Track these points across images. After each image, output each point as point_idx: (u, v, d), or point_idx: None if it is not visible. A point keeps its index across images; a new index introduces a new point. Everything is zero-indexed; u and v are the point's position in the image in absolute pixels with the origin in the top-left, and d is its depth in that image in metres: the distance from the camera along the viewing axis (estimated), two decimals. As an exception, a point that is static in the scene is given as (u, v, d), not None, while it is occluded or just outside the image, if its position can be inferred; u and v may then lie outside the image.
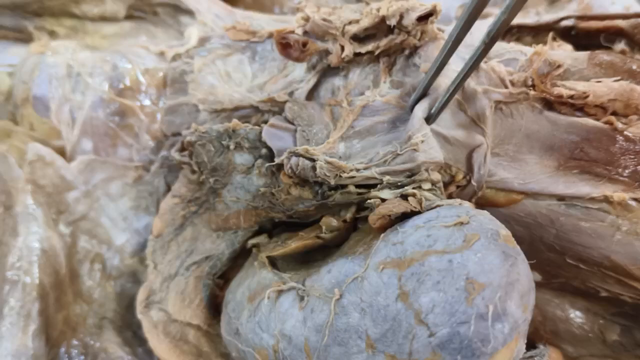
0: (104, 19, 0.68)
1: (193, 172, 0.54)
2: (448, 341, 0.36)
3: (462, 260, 0.37)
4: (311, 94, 0.54)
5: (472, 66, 0.40)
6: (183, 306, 0.55)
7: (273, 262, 0.51)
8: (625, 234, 0.47)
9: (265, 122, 0.53)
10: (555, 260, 0.50)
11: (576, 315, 0.54)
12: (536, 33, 0.58)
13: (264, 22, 0.59)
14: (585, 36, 0.59)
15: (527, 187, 0.49)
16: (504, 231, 0.39)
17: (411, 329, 0.38)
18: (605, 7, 0.62)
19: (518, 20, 0.56)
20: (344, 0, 0.71)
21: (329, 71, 0.54)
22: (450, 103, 0.49)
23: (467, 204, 0.45)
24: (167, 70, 0.59)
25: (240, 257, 0.56)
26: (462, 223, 0.40)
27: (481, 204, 0.50)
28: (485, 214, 0.41)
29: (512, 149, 0.49)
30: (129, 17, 0.68)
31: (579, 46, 0.59)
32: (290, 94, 0.54)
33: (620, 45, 0.58)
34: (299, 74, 0.55)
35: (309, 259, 0.50)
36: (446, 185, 0.49)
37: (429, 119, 0.47)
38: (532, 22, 0.56)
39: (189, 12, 0.64)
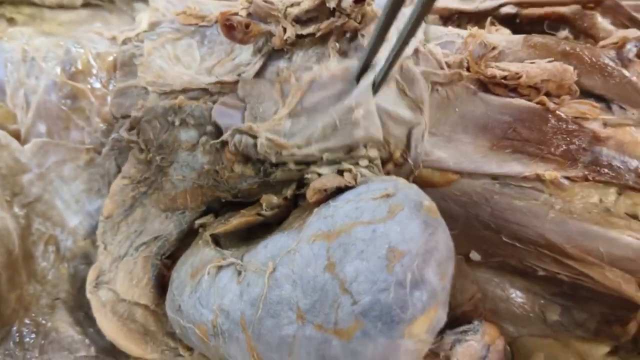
0: (61, 6, 0.69)
1: (141, 150, 0.54)
2: (370, 309, 0.37)
3: (385, 229, 0.39)
4: (257, 77, 0.55)
5: (409, 33, 0.40)
6: (131, 286, 0.56)
7: (216, 240, 0.52)
8: (559, 212, 0.49)
9: (214, 102, 0.54)
10: (492, 239, 0.52)
11: (516, 295, 0.55)
12: (478, 20, 0.59)
13: (213, 7, 0.60)
14: (529, 23, 0.61)
15: (461, 167, 0.50)
16: (427, 202, 0.40)
17: (337, 298, 0.39)
18: (550, -6, 0.64)
19: (458, 5, 0.58)
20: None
21: (274, 54, 0.55)
22: (392, 82, 0.51)
23: (401, 180, 0.46)
24: (117, 54, 0.59)
25: (188, 238, 0.56)
26: (388, 195, 0.41)
27: (419, 184, 0.51)
28: (413, 187, 0.43)
29: (447, 129, 0.51)
30: (85, 4, 0.69)
31: (523, 33, 0.61)
32: (238, 76, 0.55)
33: (564, 33, 0.59)
34: (246, 57, 0.55)
35: (252, 236, 0.51)
36: (384, 162, 0.50)
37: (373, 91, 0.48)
38: (471, 8, 0.57)
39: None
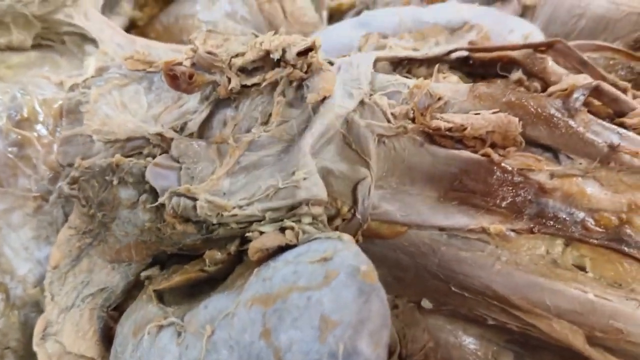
0: (11, 48, 0.67)
1: (83, 205, 0.53)
2: (303, 380, 0.36)
3: (320, 297, 0.38)
4: (204, 125, 0.54)
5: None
6: (77, 338, 0.55)
7: (161, 296, 0.51)
8: (505, 264, 0.48)
9: (155, 155, 0.53)
10: (442, 288, 0.51)
11: (469, 342, 0.54)
12: (430, 64, 0.59)
13: (162, 52, 0.59)
14: (482, 66, 0.60)
15: (409, 219, 0.49)
16: (364, 267, 0.39)
17: (271, 367, 0.38)
18: (504, 35, 0.64)
19: (407, 53, 0.57)
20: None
21: (221, 102, 0.54)
22: (336, 136, 0.50)
23: (345, 237, 0.46)
24: (64, 100, 0.58)
25: (135, 289, 0.55)
26: (325, 259, 0.40)
27: (368, 236, 0.51)
28: (352, 249, 0.42)
29: (395, 182, 0.50)
30: (36, 46, 0.68)
31: (477, 75, 0.61)
32: (184, 124, 0.54)
33: (518, 74, 0.59)
34: (193, 104, 0.55)
35: (197, 291, 0.50)
36: (332, 218, 0.50)
37: None
38: (420, 55, 0.57)
39: (94, 42, 0.64)
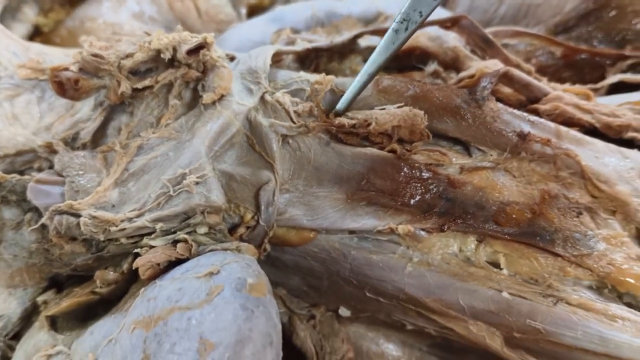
0: None
1: (-32, 227, 0.49)
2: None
3: (200, 317, 0.35)
4: (98, 134, 0.50)
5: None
6: (-26, 372, 0.50)
7: (54, 321, 0.47)
8: (417, 264, 0.46)
9: (44, 169, 0.49)
10: (357, 295, 0.48)
11: (392, 349, 0.52)
12: (342, 58, 0.56)
13: (57, 58, 0.55)
14: (397, 58, 0.58)
15: (316, 224, 0.46)
16: (252, 280, 0.37)
17: (152, 397, 0.35)
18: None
19: (310, 44, 0.54)
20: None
21: (116, 108, 0.50)
22: (239, 138, 0.47)
23: (244, 247, 0.43)
24: (-52, 115, 0.54)
25: (34, 315, 0.51)
26: (212, 273, 0.37)
27: (276, 244, 0.48)
28: (242, 261, 0.39)
29: (302, 184, 0.47)
30: None
31: (390, 69, 0.58)
32: (76, 134, 0.50)
33: (433, 66, 0.57)
34: (86, 112, 0.51)
35: (92, 315, 0.47)
36: (236, 226, 0.46)
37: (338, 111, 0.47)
38: (324, 44, 0.54)
39: (-12, 51, 0.59)
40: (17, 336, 0.52)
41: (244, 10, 0.73)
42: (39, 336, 0.45)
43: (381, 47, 0.44)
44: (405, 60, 0.58)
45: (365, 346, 0.52)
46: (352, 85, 0.46)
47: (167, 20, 0.69)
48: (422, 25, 0.53)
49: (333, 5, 0.62)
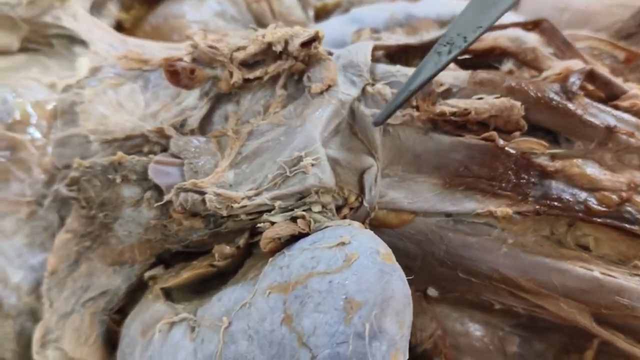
0: (-4, 52, 0.66)
1: (83, 207, 0.52)
2: (329, 362, 0.36)
3: (342, 279, 0.38)
4: (204, 121, 0.53)
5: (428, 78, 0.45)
6: (79, 344, 0.53)
7: (168, 294, 0.50)
8: (512, 246, 0.49)
9: (156, 153, 0.52)
10: (449, 275, 0.51)
11: (475, 329, 0.55)
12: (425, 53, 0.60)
13: (156, 50, 0.59)
14: (475, 56, 0.61)
15: (416, 206, 0.50)
16: (383, 249, 0.40)
17: (294, 352, 0.38)
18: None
19: (404, 40, 0.58)
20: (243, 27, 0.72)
21: (221, 97, 0.54)
22: (343, 126, 0.50)
23: (355, 224, 0.46)
24: (57, 102, 0.57)
25: (138, 291, 0.54)
26: (343, 243, 0.40)
27: (375, 225, 0.51)
28: (367, 233, 0.42)
29: (401, 170, 0.50)
30: (23, 49, 0.66)
31: (468, 67, 0.62)
32: (184, 121, 0.53)
33: (508, 65, 0.60)
34: (192, 101, 0.54)
35: (206, 287, 0.49)
36: (340, 207, 0.50)
37: (378, 123, 0.48)
38: (416, 42, 0.58)
39: (83, 43, 0.62)
40: (120, 311, 0.55)
41: (311, 13, 0.77)
42: (155, 307, 0.48)
43: (424, 66, 0.45)
44: (482, 59, 0.61)
45: (450, 325, 0.55)
46: (392, 99, 0.47)
47: (246, 19, 0.73)
48: (503, 27, 0.57)
49: (410, 8, 0.66)
